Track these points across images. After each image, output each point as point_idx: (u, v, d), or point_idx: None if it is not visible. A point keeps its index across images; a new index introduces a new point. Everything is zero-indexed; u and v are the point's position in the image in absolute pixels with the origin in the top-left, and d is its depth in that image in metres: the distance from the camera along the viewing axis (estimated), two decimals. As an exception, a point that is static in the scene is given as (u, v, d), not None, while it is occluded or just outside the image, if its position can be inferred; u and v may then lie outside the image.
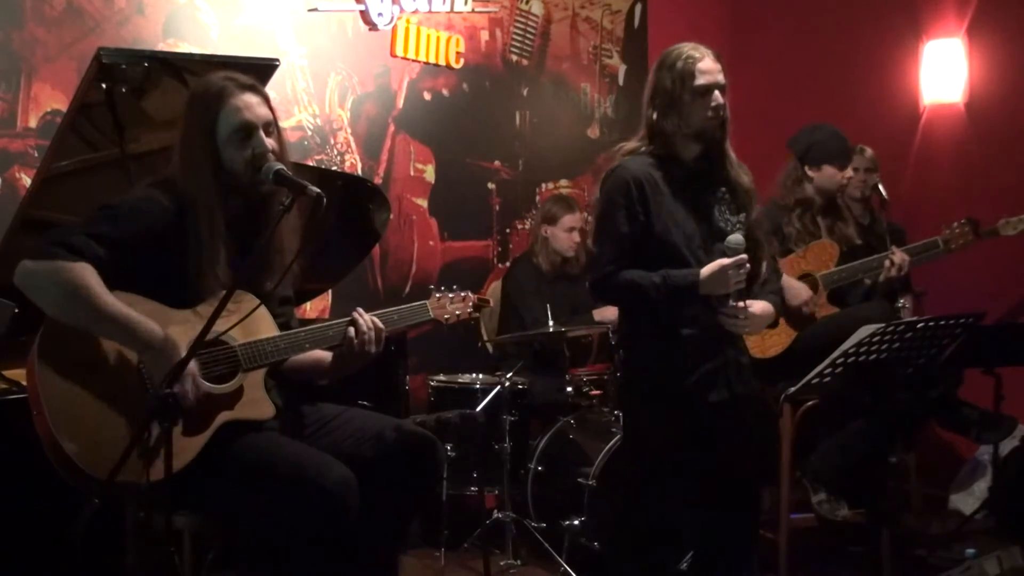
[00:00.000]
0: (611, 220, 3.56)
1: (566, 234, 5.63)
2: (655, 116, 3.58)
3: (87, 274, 2.79)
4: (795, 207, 4.89)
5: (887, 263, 4.81)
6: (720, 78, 3.55)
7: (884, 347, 3.81)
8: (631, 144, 3.67)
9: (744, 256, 3.43)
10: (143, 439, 2.59)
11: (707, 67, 3.54)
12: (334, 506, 2.83)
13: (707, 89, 3.50)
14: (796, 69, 6.86)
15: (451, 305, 3.38)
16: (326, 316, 5.41)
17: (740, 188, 3.62)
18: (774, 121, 6.57)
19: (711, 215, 3.58)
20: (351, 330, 3.14)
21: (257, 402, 3.03)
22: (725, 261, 3.42)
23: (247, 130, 3.00)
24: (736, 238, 3.45)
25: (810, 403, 4.43)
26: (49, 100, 4.65)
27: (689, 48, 3.58)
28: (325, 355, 3.25)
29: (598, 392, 5.32)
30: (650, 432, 3.62)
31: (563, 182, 6.71)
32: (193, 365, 2.81)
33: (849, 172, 4.98)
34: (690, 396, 3.52)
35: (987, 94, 6.07)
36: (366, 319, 3.16)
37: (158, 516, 2.77)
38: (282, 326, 3.20)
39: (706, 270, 3.45)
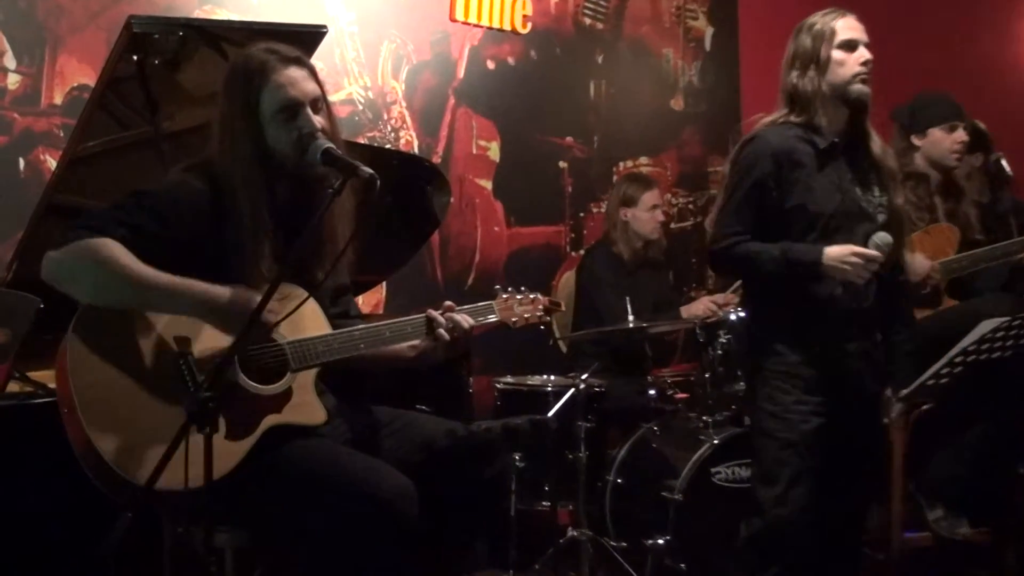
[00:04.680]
0: (739, 191, 3.69)
1: (648, 214, 5.61)
2: (794, 78, 3.69)
3: (114, 247, 2.83)
4: (905, 181, 4.85)
5: None
6: (866, 37, 3.66)
7: (1009, 344, 3.77)
8: (771, 116, 3.78)
9: (880, 256, 3.52)
10: (181, 444, 2.61)
11: (851, 24, 3.68)
12: (390, 517, 2.84)
13: (852, 44, 3.62)
14: (900, 36, 6.76)
15: (519, 307, 3.41)
16: (380, 311, 5.45)
17: (885, 168, 3.71)
18: (875, 95, 6.52)
19: (854, 194, 3.64)
20: (442, 332, 3.19)
21: (307, 406, 3.06)
22: (858, 248, 3.51)
23: (293, 109, 3.01)
24: (885, 237, 3.54)
25: (925, 407, 4.38)
26: (76, 74, 4.72)
27: (829, 10, 3.71)
28: (400, 349, 3.28)
29: (684, 395, 5.32)
30: (780, 421, 3.66)
31: (643, 160, 6.71)
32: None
33: (962, 135, 4.85)
34: (820, 386, 3.57)
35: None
36: (442, 320, 3.20)
37: (198, 531, 2.80)
38: (340, 316, 3.25)
39: (833, 250, 3.53)
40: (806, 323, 3.66)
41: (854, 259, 3.51)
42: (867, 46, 3.66)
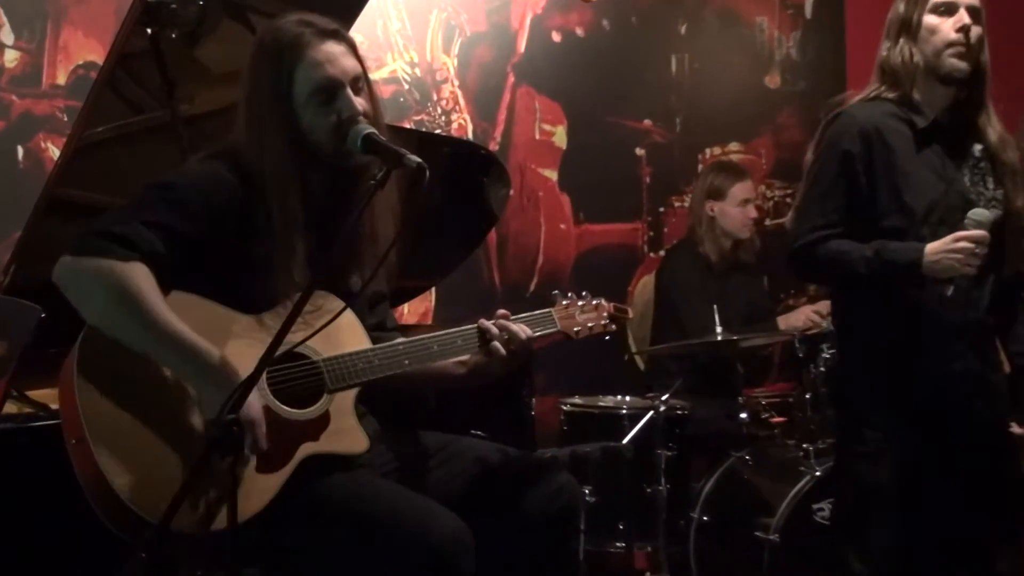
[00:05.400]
0: (823, 178, 3.64)
1: (738, 209, 5.60)
2: (885, 49, 3.67)
3: (142, 277, 2.82)
4: None
5: None
6: None
7: None
8: (863, 92, 3.74)
9: (986, 235, 3.44)
10: (202, 476, 2.62)
11: None
12: (443, 567, 2.84)
13: (950, 6, 3.55)
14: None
15: (581, 315, 3.41)
16: (428, 321, 5.45)
17: (1002, 159, 3.64)
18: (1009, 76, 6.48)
19: (960, 184, 3.58)
20: (496, 345, 3.18)
21: (347, 432, 3.05)
22: (960, 233, 3.44)
23: (330, 89, 3.02)
24: (983, 212, 3.47)
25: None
26: (81, 50, 4.76)
27: None
28: (448, 365, 3.27)
29: (781, 419, 5.28)
30: (869, 461, 3.63)
31: (733, 146, 6.68)
32: (259, 404, 2.85)
33: None
34: (922, 413, 3.53)
35: None
36: (496, 332, 3.19)
37: (219, 573, 2.81)
38: (375, 327, 3.25)
39: (934, 245, 3.46)
40: (903, 339, 3.59)
41: (962, 244, 3.43)
42: (973, 11, 3.59)
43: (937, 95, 3.63)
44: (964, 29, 3.54)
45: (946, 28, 3.56)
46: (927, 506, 3.60)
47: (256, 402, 2.81)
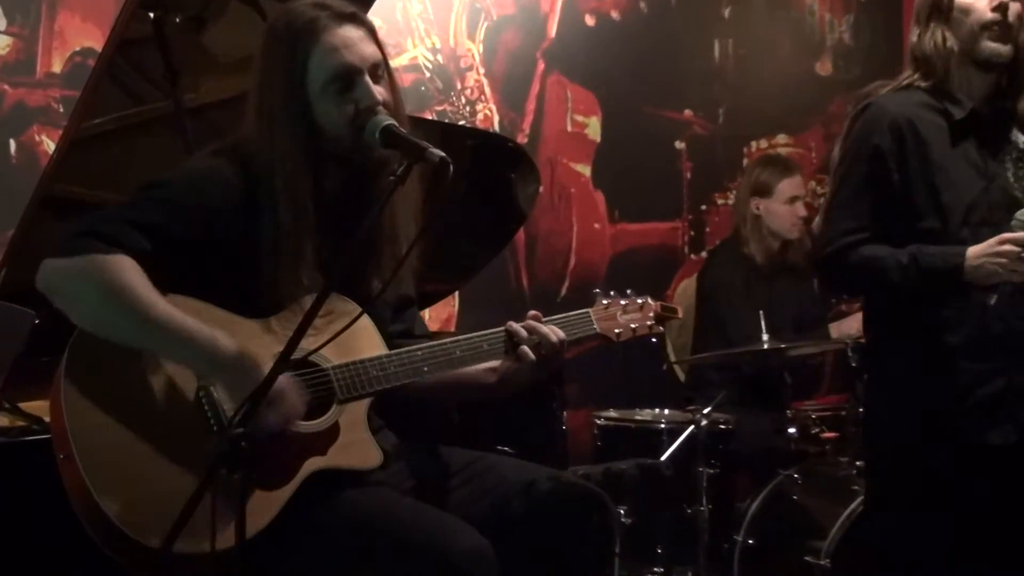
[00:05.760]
0: (852, 177, 3.59)
1: (786, 207, 5.58)
2: (915, 35, 3.62)
3: (128, 269, 2.83)
4: None
5: None
6: None
7: None
8: (894, 81, 3.71)
9: None
10: (206, 494, 2.63)
11: None
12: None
13: None
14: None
15: (623, 316, 3.38)
16: (451, 328, 5.46)
17: None
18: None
19: (1003, 179, 3.54)
20: (525, 349, 3.16)
21: (358, 445, 3.05)
22: (1006, 235, 3.40)
23: (348, 77, 3.01)
24: None
25: None
26: (79, 36, 4.77)
27: None
28: (477, 373, 3.26)
29: (833, 435, 5.27)
30: (901, 486, 3.59)
31: (781, 138, 6.68)
32: (289, 386, 2.84)
33: None
34: (959, 434, 3.49)
35: None
36: (525, 334, 3.18)
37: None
38: (403, 334, 3.26)
39: (976, 249, 3.42)
40: (940, 353, 3.53)
41: (1007, 247, 3.37)
42: None
43: (975, 82, 3.58)
44: (1001, 7, 3.49)
45: (981, 7, 3.51)
46: (963, 532, 3.56)
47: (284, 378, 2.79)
